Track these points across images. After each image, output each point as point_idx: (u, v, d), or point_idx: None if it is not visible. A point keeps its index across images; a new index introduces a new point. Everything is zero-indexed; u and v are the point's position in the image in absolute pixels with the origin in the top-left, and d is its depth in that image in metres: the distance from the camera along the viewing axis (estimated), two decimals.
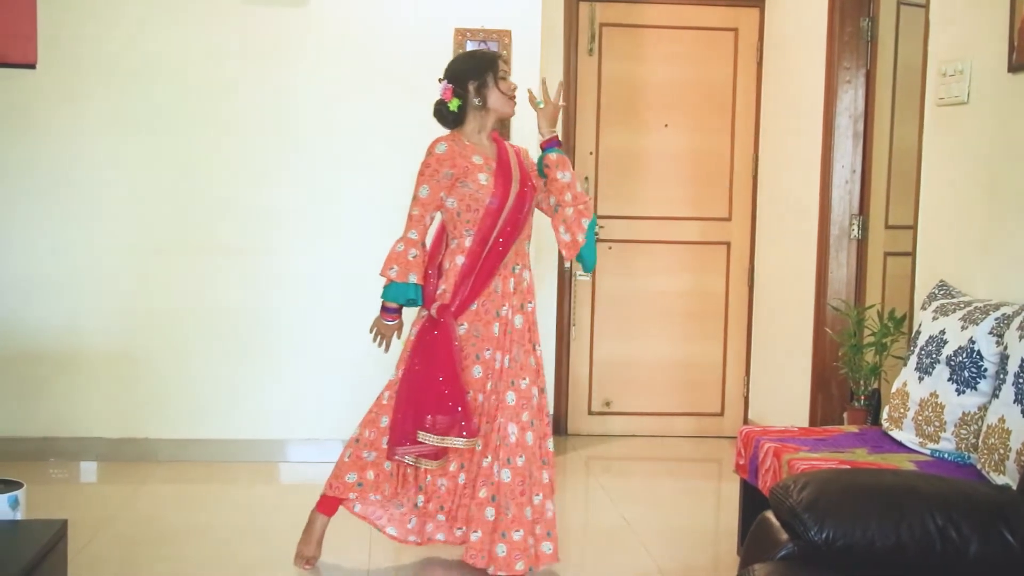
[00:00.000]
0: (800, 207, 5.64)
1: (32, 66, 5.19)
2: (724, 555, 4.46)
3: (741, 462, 4.14)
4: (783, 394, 5.87)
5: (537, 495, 4.00)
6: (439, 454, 3.96)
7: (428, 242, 4.13)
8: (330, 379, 5.61)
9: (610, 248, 6.29)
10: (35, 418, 5.47)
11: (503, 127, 5.30)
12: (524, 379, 4.02)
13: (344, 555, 4.28)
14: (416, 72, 5.49)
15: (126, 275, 5.50)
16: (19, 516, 3.24)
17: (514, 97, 4.09)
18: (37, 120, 5.41)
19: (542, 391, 4.10)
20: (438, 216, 4.10)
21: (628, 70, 6.30)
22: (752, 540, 2.76)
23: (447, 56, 5.49)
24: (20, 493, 3.27)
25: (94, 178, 5.46)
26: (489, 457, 3.97)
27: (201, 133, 5.49)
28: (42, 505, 3.95)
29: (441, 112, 4.12)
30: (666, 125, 6.25)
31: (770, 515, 2.73)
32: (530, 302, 4.10)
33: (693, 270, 6.40)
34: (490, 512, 3.94)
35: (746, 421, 6.33)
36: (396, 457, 3.97)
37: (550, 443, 4.10)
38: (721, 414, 6.46)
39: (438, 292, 4.01)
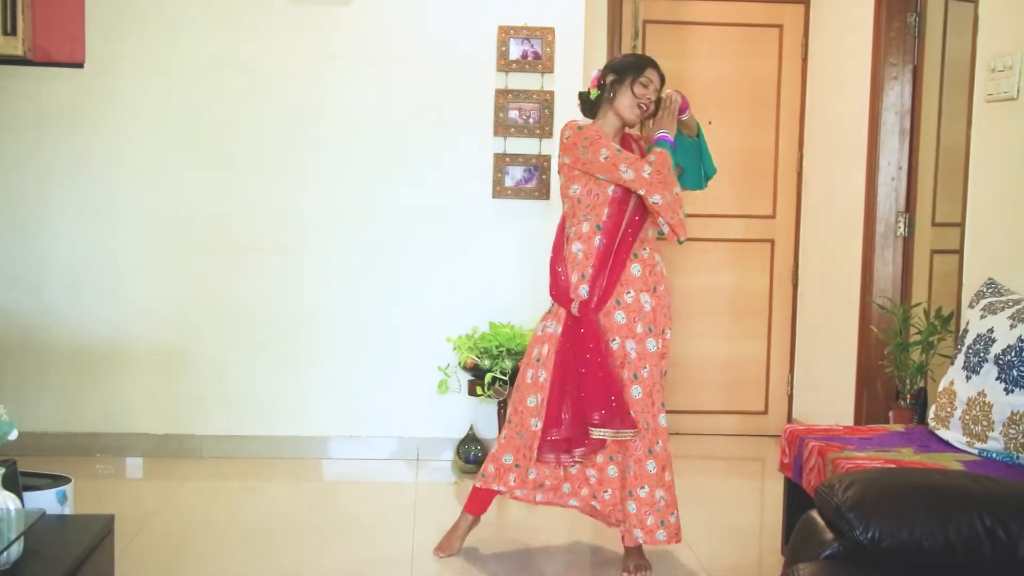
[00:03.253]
0: (845, 204, 5.59)
1: (80, 65, 5.23)
2: (768, 554, 4.43)
3: (785, 461, 4.11)
4: (828, 393, 5.82)
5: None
6: (597, 449, 4.05)
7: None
8: (372, 376, 5.63)
9: None
10: (82, 414, 5.54)
11: None
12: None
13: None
14: (459, 71, 5.50)
15: (171, 273, 5.55)
16: (67, 511, 3.27)
17: (642, 107, 4.06)
18: (84, 119, 5.46)
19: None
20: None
21: (672, 67, 6.21)
22: (796, 539, 2.74)
23: (491, 54, 5.50)
24: (68, 488, 3.30)
25: (140, 177, 5.51)
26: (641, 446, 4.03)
27: (244, 133, 5.52)
28: (89, 500, 3.99)
29: (581, 98, 4.19)
30: (710, 122, 6.20)
31: (815, 514, 2.71)
32: (661, 284, 4.11)
33: (737, 268, 6.37)
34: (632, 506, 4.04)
35: (790, 420, 6.29)
36: (562, 460, 4.07)
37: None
38: (765, 412, 6.42)
39: (572, 284, 4.04)
